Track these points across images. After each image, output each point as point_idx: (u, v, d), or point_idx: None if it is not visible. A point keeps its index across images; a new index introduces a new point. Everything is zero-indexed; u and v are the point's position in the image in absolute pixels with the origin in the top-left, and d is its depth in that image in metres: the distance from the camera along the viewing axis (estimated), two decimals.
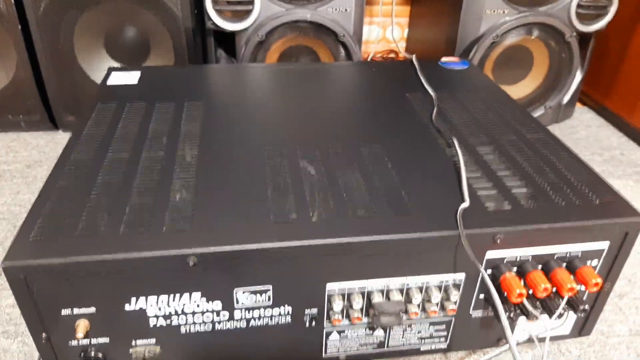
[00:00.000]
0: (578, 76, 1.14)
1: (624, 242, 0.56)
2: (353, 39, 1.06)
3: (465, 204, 0.54)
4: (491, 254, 0.54)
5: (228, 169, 0.61)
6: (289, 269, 0.52)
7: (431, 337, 0.61)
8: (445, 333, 0.61)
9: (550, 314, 0.55)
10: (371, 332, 0.59)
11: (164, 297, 0.51)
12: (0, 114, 1.09)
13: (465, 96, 0.81)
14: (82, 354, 0.54)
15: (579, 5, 1.05)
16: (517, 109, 0.77)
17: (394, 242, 0.51)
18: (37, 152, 1.07)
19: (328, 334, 0.58)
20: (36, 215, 0.52)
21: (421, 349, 0.62)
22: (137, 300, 0.51)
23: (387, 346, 0.61)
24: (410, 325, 0.59)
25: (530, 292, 0.56)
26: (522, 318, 0.59)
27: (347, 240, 0.51)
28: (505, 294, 0.54)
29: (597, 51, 1.21)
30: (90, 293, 0.50)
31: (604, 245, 0.56)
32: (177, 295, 0.51)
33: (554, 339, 0.65)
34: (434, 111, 0.74)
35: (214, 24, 1.01)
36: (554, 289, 0.55)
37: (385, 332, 0.59)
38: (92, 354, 0.54)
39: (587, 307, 0.56)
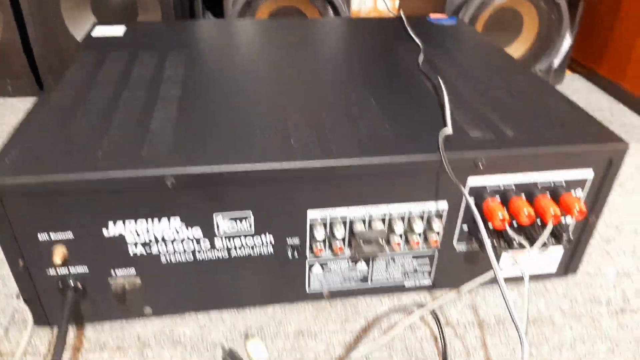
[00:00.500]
0: (568, 39, 1.14)
1: (608, 170, 0.56)
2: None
3: (448, 129, 0.54)
4: (473, 181, 0.54)
5: (210, 103, 0.60)
6: (269, 193, 0.51)
7: (415, 271, 0.60)
8: (429, 268, 0.60)
9: (534, 241, 0.55)
10: (354, 265, 0.58)
11: (142, 222, 0.51)
12: None
13: (452, 46, 0.81)
14: (61, 283, 0.53)
15: None
16: (504, 55, 0.77)
17: (375, 166, 0.51)
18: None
19: (311, 267, 0.57)
20: (13, 143, 0.52)
21: (405, 285, 0.61)
22: (115, 224, 0.50)
23: (371, 281, 0.60)
24: (393, 259, 0.59)
25: (515, 224, 0.55)
26: (507, 255, 0.59)
27: (328, 163, 0.50)
28: (489, 222, 0.54)
29: (587, 15, 1.20)
30: (68, 217, 0.49)
31: (588, 173, 0.56)
32: (156, 220, 0.51)
33: (540, 277, 0.65)
34: (421, 58, 0.74)
35: None
36: (539, 220, 0.55)
37: (368, 265, 0.59)
38: (71, 283, 0.53)
39: (570, 237, 0.56)
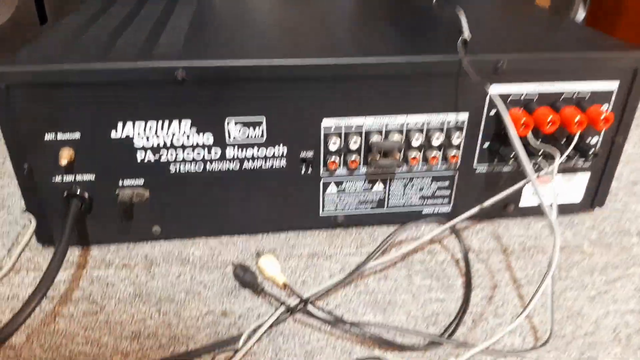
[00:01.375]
0: (581, 11, 1.13)
1: (633, 82, 0.54)
2: None
3: (466, 33, 0.52)
4: (495, 89, 0.52)
5: (225, 12, 0.60)
6: (283, 98, 0.50)
7: (434, 196, 0.58)
8: (448, 192, 0.58)
9: (561, 153, 0.52)
10: (370, 186, 0.56)
11: (152, 124, 0.49)
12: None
13: None
14: (66, 192, 0.51)
15: None
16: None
17: (392, 65, 0.49)
18: None
19: (325, 186, 0.55)
20: (26, 45, 0.51)
21: (423, 212, 0.59)
22: (123, 125, 0.49)
23: (387, 206, 0.58)
24: (411, 180, 0.56)
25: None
26: (529, 186, 0.57)
27: (344, 60, 0.49)
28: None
29: None
30: (75, 116, 0.48)
31: (613, 85, 0.54)
32: (166, 122, 0.49)
33: (565, 210, 0.62)
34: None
35: None
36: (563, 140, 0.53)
37: (384, 186, 0.56)
38: (78, 192, 0.51)
39: (597, 150, 0.53)
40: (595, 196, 0.61)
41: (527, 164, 0.43)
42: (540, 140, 0.53)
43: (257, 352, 0.44)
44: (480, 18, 0.64)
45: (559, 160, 0.50)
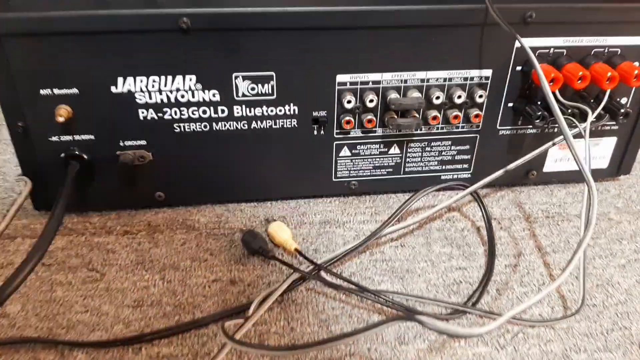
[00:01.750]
0: None
1: None
2: None
3: None
4: (523, 42, 0.48)
5: None
6: (294, 51, 0.46)
7: (453, 161, 0.54)
8: (469, 157, 0.55)
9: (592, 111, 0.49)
10: (386, 149, 0.53)
11: (154, 79, 0.46)
12: None
13: None
14: (64, 153, 0.48)
15: None
16: None
17: (412, 12, 0.46)
18: None
19: (339, 149, 0.52)
20: None
21: (442, 177, 0.55)
22: (124, 80, 0.45)
23: (404, 171, 0.54)
24: (429, 143, 0.53)
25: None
26: (554, 149, 0.53)
27: (362, 8, 0.45)
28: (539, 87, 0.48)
29: None
30: (73, 69, 0.44)
31: None
32: (170, 77, 0.46)
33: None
34: None
35: None
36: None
37: (401, 149, 0.53)
38: (76, 153, 0.48)
39: (628, 110, 0.50)
40: (622, 163, 0.58)
41: (561, 120, 0.40)
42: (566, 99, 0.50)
43: (269, 320, 0.41)
44: None
45: (591, 117, 0.46)
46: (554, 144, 0.49)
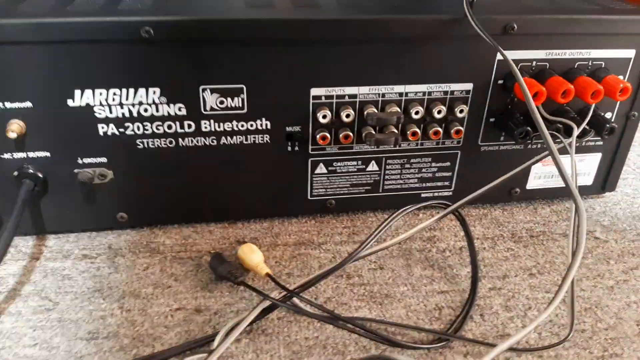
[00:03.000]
0: None
1: None
2: None
3: None
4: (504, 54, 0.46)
5: None
6: (266, 62, 0.43)
7: (433, 179, 0.52)
8: (449, 173, 0.52)
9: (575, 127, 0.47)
10: (363, 166, 0.50)
11: (115, 92, 0.43)
12: None
13: None
14: (17, 171, 0.44)
15: None
16: None
17: (390, 23, 0.43)
18: None
19: (314, 166, 0.49)
20: None
21: (422, 196, 0.53)
22: (82, 93, 0.42)
23: (382, 189, 0.52)
24: (409, 160, 0.51)
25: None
26: (537, 167, 0.52)
27: (337, 17, 0.43)
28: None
29: None
30: (26, 81, 0.41)
31: (630, 53, 0.49)
32: (132, 90, 0.43)
33: None
34: None
35: None
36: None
37: (379, 166, 0.51)
38: (30, 171, 0.45)
39: (613, 125, 0.48)
40: (607, 179, 0.56)
41: (547, 136, 0.38)
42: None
43: (236, 353, 0.37)
44: None
45: (576, 132, 0.44)
46: (537, 161, 0.46)
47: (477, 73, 0.47)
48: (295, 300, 0.40)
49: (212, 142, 0.46)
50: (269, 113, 0.46)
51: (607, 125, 0.48)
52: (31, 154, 0.44)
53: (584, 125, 0.47)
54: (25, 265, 0.45)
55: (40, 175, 0.45)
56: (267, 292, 0.40)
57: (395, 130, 0.47)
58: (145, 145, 0.45)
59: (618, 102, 0.50)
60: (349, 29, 0.43)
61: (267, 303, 0.39)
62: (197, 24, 0.41)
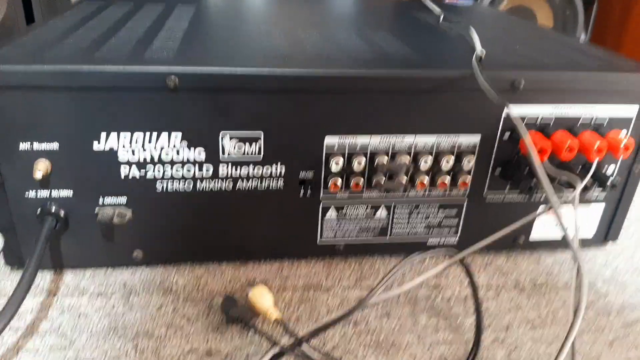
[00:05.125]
0: (582, 36, 1.12)
1: None
2: None
3: (480, 50, 0.49)
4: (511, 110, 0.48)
5: (219, 20, 0.56)
6: (283, 112, 0.45)
7: (440, 226, 0.54)
8: (456, 222, 0.54)
9: (578, 181, 0.48)
10: (373, 212, 0.52)
11: (138, 136, 0.45)
12: None
13: (472, 16, 0.77)
14: (40, 209, 0.46)
15: None
16: (527, 21, 0.74)
17: (403, 78, 0.46)
18: None
19: (325, 210, 0.51)
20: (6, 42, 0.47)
21: (428, 242, 0.54)
22: (107, 136, 0.44)
23: (390, 234, 0.53)
24: (417, 207, 0.52)
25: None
26: (540, 219, 0.53)
27: (352, 73, 0.45)
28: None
29: (601, 11, 1.18)
30: (54, 124, 0.43)
31: (633, 110, 0.50)
32: (155, 134, 0.45)
33: None
34: (441, 17, 0.70)
35: None
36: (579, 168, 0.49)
37: (388, 212, 0.52)
38: (53, 209, 0.46)
39: (616, 179, 0.50)
40: (609, 230, 0.57)
41: (551, 191, 0.39)
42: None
43: None
44: (490, 37, 0.61)
45: (580, 187, 0.46)
46: (541, 214, 0.48)
47: (484, 125, 0.49)
48: (304, 347, 0.41)
49: (229, 185, 0.48)
50: (284, 159, 0.48)
51: (609, 182, 0.50)
52: (54, 193, 0.46)
53: (586, 180, 0.48)
54: (43, 301, 0.46)
55: (62, 213, 0.47)
56: (277, 337, 0.41)
57: (405, 178, 0.49)
58: (164, 187, 0.47)
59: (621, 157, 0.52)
60: (361, 83, 0.45)
61: (276, 349, 0.41)
62: (219, 75, 0.43)
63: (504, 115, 0.49)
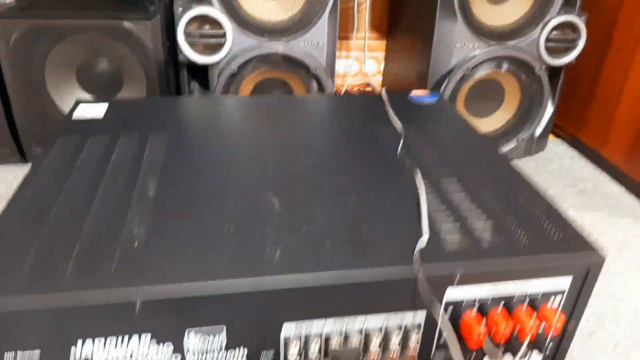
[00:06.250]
0: (550, 109, 1.15)
1: (585, 279, 0.56)
2: (326, 72, 1.07)
3: (424, 238, 0.54)
4: (451, 294, 0.53)
5: (186, 204, 0.60)
6: (244, 308, 0.50)
7: None
8: None
9: (514, 354, 0.54)
10: None
11: (111, 339, 0.50)
12: None
13: (432, 130, 0.81)
14: None
15: (547, 40, 1.07)
16: (483, 143, 0.78)
17: (347, 284, 0.51)
18: (5, 186, 1.05)
19: None
20: None
21: None
22: (83, 343, 0.49)
23: None
24: None
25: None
26: None
27: (302, 282, 0.50)
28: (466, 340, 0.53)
29: (568, 83, 1.22)
30: (36, 334, 0.48)
31: (566, 282, 0.55)
32: (126, 337, 0.50)
33: None
34: (400, 145, 0.74)
35: (186, 57, 1.01)
36: (517, 327, 0.55)
37: None
38: None
39: (551, 345, 0.55)
40: None
41: None
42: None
43: None
44: (437, 184, 0.66)
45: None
46: None
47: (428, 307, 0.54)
48: None
49: None
50: (245, 345, 0.53)
51: (544, 350, 0.55)
52: None
53: (519, 356, 0.54)
54: None
55: None
56: None
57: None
58: None
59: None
60: (309, 291, 0.50)
61: None
62: (183, 292, 0.48)
63: (445, 297, 0.53)
